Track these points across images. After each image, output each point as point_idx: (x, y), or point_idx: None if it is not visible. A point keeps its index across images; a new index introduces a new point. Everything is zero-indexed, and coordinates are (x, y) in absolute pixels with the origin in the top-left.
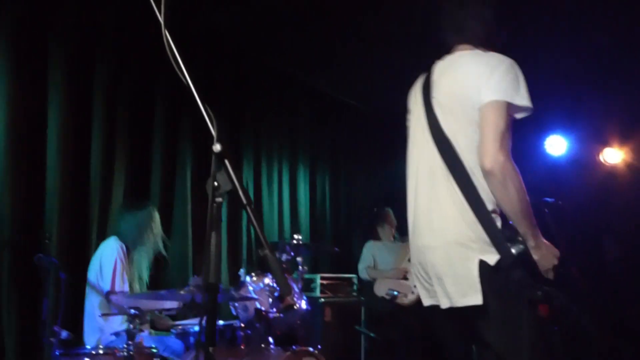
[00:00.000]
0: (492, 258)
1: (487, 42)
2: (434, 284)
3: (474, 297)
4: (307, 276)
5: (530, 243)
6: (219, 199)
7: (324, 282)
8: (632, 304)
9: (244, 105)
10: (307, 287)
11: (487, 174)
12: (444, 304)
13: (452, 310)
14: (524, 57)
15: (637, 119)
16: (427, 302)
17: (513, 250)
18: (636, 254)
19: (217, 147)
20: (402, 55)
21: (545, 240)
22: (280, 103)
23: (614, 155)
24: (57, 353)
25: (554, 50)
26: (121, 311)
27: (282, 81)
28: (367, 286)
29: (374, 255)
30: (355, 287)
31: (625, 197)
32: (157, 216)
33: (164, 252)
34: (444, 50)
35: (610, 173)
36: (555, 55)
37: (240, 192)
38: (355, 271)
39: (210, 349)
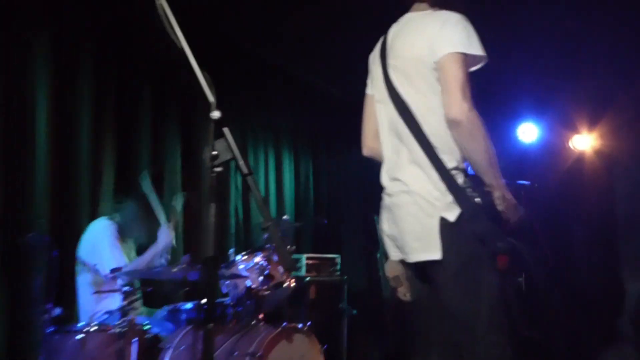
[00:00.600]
0: (453, 215)
1: (444, 3)
2: (401, 238)
3: (434, 253)
4: (293, 256)
5: (497, 194)
6: (218, 168)
7: (309, 262)
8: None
9: (230, 94)
10: None
11: (454, 124)
12: (410, 259)
13: (418, 266)
14: (497, 46)
15: (605, 107)
16: (395, 257)
17: (481, 201)
18: (602, 235)
19: (215, 114)
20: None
21: (510, 195)
22: (263, 92)
23: (582, 142)
24: (49, 330)
25: (526, 40)
26: (115, 289)
27: (266, 71)
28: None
29: None
30: (338, 267)
31: (593, 182)
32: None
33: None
34: (403, 9)
35: (579, 159)
36: (526, 46)
37: (241, 162)
38: (337, 250)
39: (210, 325)
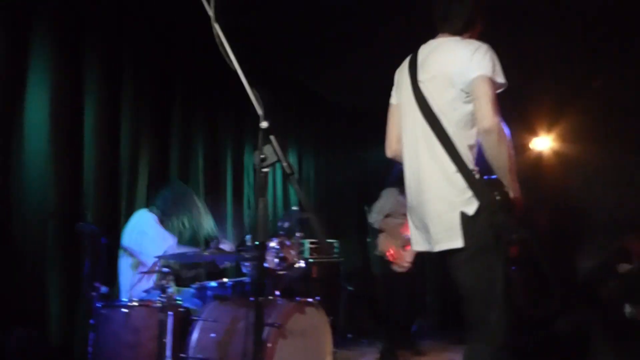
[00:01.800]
0: (472, 208)
1: (464, 30)
2: (429, 231)
3: (457, 242)
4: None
5: (513, 194)
6: (266, 169)
7: (312, 246)
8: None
9: (245, 102)
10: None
11: (486, 132)
12: (437, 248)
13: (443, 254)
14: None
15: (562, 111)
16: (422, 247)
17: (497, 198)
18: (559, 225)
19: (264, 124)
20: (378, 61)
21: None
22: (274, 100)
23: (542, 143)
24: (98, 305)
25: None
26: (154, 270)
27: (275, 81)
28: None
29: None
30: (336, 250)
31: (550, 177)
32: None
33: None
34: (430, 36)
35: (539, 158)
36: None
37: (284, 163)
38: (335, 236)
39: (260, 298)
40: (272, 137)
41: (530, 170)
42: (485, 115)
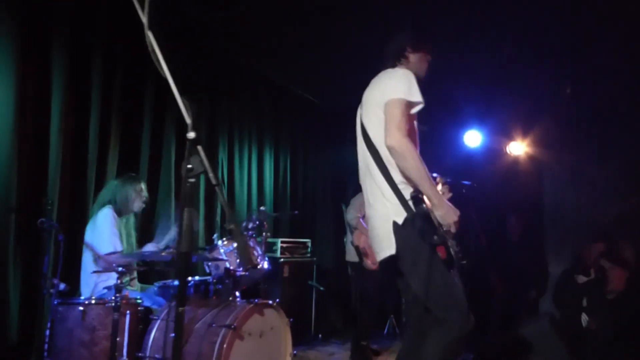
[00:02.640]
0: (400, 219)
1: (397, 61)
2: (374, 242)
3: (391, 249)
4: (270, 240)
5: (433, 201)
6: (192, 180)
7: (284, 245)
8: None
9: (220, 99)
10: (270, 249)
11: (390, 149)
12: (379, 257)
13: (383, 262)
14: (446, 66)
15: (536, 118)
16: (377, 255)
17: (416, 208)
18: (532, 227)
19: (191, 135)
20: (352, 60)
21: (446, 201)
22: (249, 97)
23: (517, 148)
24: (55, 302)
25: (470, 60)
26: (111, 269)
27: (251, 79)
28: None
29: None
30: (309, 250)
31: (525, 181)
32: (143, 187)
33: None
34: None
35: (515, 162)
36: (471, 65)
37: (211, 174)
38: (309, 235)
39: (180, 309)
40: (199, 148)
41: (506, 174)
42: (388, 134)
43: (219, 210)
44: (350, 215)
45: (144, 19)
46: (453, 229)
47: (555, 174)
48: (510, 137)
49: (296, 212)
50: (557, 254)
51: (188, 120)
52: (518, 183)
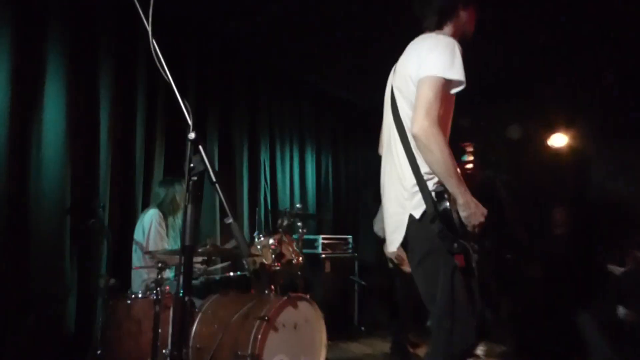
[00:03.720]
0: (418, 212)
1: (442, 22)
2: (385, 232)
3: (399, 238)
4: (310, 237)
5: (459, 200)
6: (194, 178)
7: (325, 241)
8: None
9: (260, 101)
10: (311, 245)
11: (414, 138)
12: (390, 249)
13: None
14: (484, 57)
15: (578, 112)
16: (387, 248)
17: (438, 206)
18: (578, 220)
19: (191, 135)
20: (387, 59)
21: (474, 199)
22: (290, 100)
23: (560, 140)
24: (107, 296)
25: (510, 51)
26: (153, 265)
27: (293, 83)
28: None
29: None
30: (350, 246)
31: (568, 173)
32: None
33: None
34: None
35: (557, 155)
36: (509, 56)
37: (210, 172)
38: (352, 232)
39: (186, 298)
40: (200, 147)
41: (549, 168)
42: (415, 120)
43: (262, 210)
44: (377, 226)
45: (149, 28)
46: (477, 231)
47: (599, 167)
48: (551, 129)
49: (329, 217)
50: (604, 247)
51: (189, 121)
52: (562, 175)
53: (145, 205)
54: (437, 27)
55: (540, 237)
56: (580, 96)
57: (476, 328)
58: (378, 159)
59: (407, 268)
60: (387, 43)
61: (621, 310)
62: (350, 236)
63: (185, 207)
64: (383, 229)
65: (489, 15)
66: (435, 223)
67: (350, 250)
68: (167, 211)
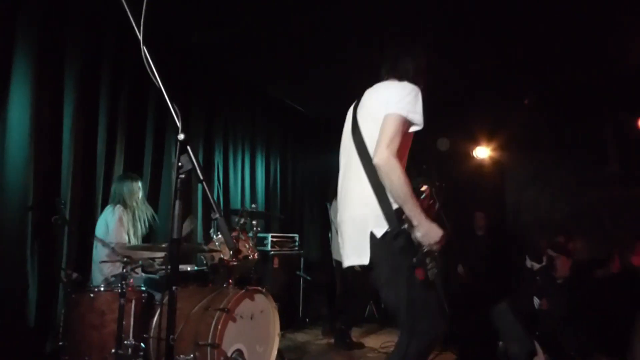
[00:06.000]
0: (380, 231)
1: (408, 79)
2: (344, 247)
3: (363, 259)
4: (261, 235)
5: (414, 222)
6: (182, 176)
7: (274, 239)
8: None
9: (216, 107)
10: (261, 243)
11: (376, 166)
12: (345, 263)
13: (351, 268)
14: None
15: (499, 126)
16: (342, 261)
17: (401, 224)
18: (496, 223)
19: (181, 136)
20: (338, 73)
21: (429, 221)
22: (243, 107)
23: (482, 152)
24: (69, 289)
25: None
26: (116, 259)
27: (246, 90)
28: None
29: None
30: (296, 243)
31: (489, 182)
32: (138, 186)
33: (148, 217)
34: (376, 79)
35: (480, 165)
36: (443, 78)
37: (198, 171)
38: (297, 231)
39: (174, 287)
40: (188, 147)
41: (473, 176)
42: (377, 150)
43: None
44: (334, 214)
45: (140, 36)
46: (435, 249)
47: (516, 175)
48: (475, 142)
49: (281, 215)
50: (518, 246)
51: (178, 123)
52: (483, 184)
53: (105, 202)
54: (401, 78)
55: (466, 238)
56: (501, 115)
57: (442, 334)
58: (323, 164)
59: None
60: (339, 60)
61: (536, 300)
62: (296, 235)
63: (173, 203)
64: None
65: (430, 44)
66: (397, 239)
67: (296, 248)
68: (127, 207)
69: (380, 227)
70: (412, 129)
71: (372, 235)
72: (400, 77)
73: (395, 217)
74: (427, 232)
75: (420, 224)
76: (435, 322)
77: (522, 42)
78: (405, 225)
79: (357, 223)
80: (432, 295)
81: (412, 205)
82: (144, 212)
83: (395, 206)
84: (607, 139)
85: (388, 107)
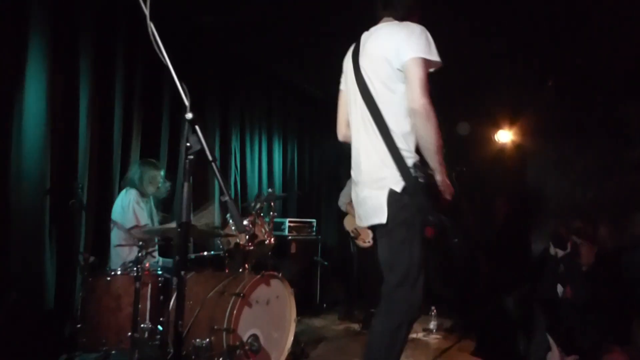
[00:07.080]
0: (399, 187)
1: (406, 16)
2: (360, 209)
3: (382, 218)
4: (278, 220)
5: (438, 177)
6: (191, 157)
7: (291, 224)
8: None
9: (232, 93)
10: (278, 228)
11: (414, 113)
12: (364, 223)
13: (371, 229)
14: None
15: (520, 111)
16: (359, 224)
17: (419, 181)
18: (517, 209)
19: (189, 115)
20: None
21: (447, 179)
22: (260, 92)
23: (504, 136)
24: (86, 273)
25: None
26: (133, 243)
27: (262, 75)
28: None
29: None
30: (314, 229)
31: (511, 166)
32: (161, 175)
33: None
34: (372, 22)
35: (501, 150)
36: (462, 58)
37: (207, 151)
38: (315, 216)
39: (182, 272)
40: (197, 127)
41: (494, 161)
42: (413, 98)
43: (232, 193)
44: (341, 200)
45: (146, 11)
46: (447, 196)
47: (537, 160)
48: (497, 126)
49: (299, 192)
50: (540, 233)
51: (186, 102)
52: (504, 168)
53: (122, 187)
54: (402, 18)
55: (485, 224)
56: (523, 98)
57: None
58: (340, 148)
59: (361, 242)
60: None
61: (559, 288)
62: (314, 220)
63: (182, 185)
64: (346, 204)
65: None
66: (415, 196)
67: (314, 233)
68: (143, 192)
69: (398, 184)
70: (431, 69)
71: (390, 192)
72: (398, 14)
73: (409, 172)
74: (445, 187)
75: (443, 179)
76: (416, 295)
77: (545, 23)
78: (424, 180)
79: (375, 182)
80: (427, 259)
81: (440, 158)
82: (159, 197)
83: (410, 162)
84: (631, 123)
85: (405, 52)
